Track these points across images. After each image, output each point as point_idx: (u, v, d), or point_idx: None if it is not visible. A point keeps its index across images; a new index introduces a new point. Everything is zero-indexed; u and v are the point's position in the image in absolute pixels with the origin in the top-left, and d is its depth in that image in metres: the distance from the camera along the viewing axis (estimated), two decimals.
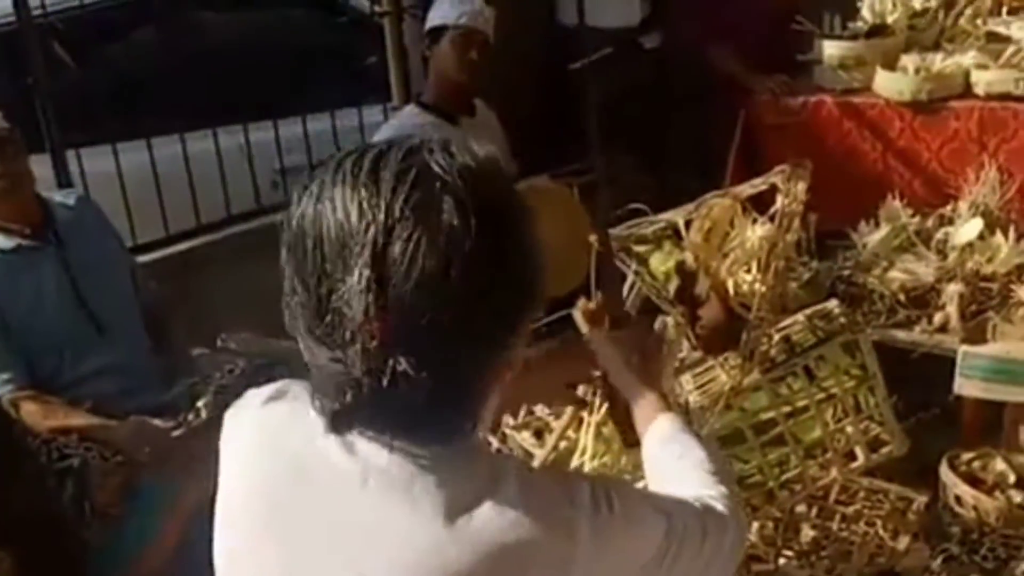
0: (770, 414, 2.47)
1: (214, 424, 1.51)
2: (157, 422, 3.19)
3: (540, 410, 2.79)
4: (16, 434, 3.17)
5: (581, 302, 2.52)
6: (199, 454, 2.12)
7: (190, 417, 3.17)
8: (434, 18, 4.44)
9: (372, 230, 1.19)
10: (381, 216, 1.19)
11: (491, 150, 1.30)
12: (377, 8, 5.16)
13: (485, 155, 1.27)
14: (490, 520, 1.27)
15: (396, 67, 5.16)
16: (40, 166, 3.54)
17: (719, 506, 1.55)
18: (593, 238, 2.24)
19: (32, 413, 3.20)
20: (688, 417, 1.85)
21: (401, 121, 4.65)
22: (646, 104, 5.39)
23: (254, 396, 1.47)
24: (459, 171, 1.22)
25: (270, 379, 1.52)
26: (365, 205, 1.20)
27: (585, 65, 5.23)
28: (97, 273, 3.47)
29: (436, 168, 1.22)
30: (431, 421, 1.28)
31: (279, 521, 1.36)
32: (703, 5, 5.15)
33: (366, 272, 1.19)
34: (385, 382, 1.22)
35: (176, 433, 3.15)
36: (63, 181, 4.10)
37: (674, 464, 1.70)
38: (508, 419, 2.86)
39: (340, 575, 1.30)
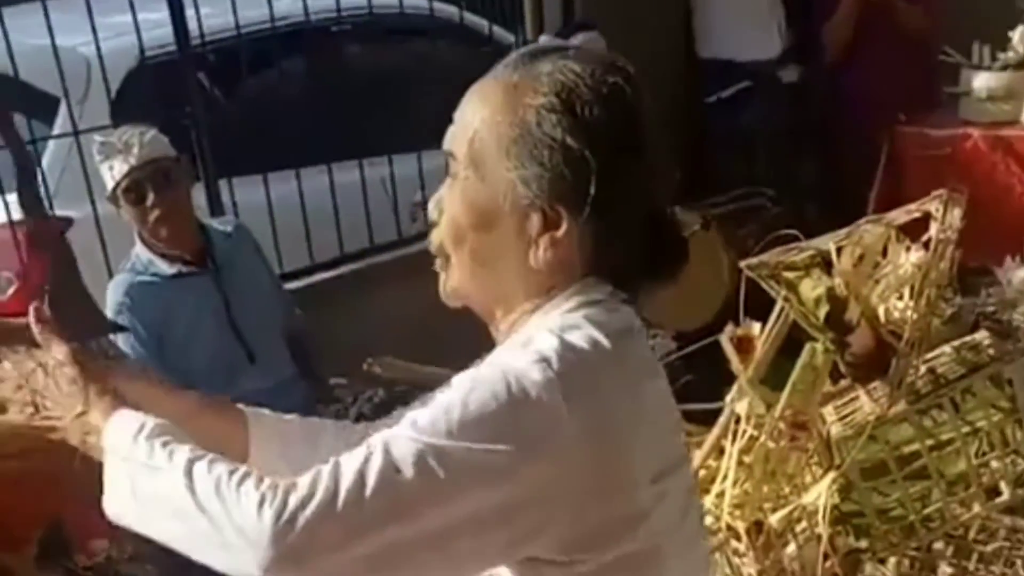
0: (914, 446, 2.44)
1: None
2: None
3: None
4: None
5: (729, 328, 2.54)
6: None
7: None
8: None
9: None
10: None
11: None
12: (520, 38, 5.22)
13: None
14: None
15: None
16: (194, 195, 3.60)
17: None
18: (744, 264, 2.26)
19: None
20: None
21: None
22: (783, 138, 5.38)
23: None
24: None
25: (406, 406, 1.53)
26: None
27: (723, 99, 5.25)
28: (250, 300, 3.56)
29: None
30: None
31: None
32: None
33: None
34: None
35: None
36: (215, 210, 4.21)
37: None
38: None
39: None
